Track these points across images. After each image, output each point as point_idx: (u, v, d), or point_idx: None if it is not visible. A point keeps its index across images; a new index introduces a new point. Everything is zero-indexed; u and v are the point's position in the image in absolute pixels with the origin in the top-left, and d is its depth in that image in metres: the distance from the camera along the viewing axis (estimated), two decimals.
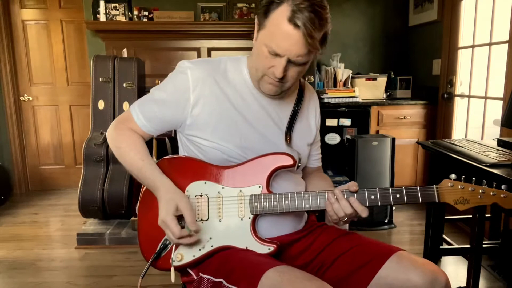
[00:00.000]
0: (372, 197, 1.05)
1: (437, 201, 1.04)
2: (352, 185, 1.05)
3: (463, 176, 1.05)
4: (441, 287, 1.02)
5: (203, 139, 1.12)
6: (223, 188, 1.10)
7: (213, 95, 1.11)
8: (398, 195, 1.05)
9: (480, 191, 1.03)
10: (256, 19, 1.06)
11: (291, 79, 1.06)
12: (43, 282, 2.28)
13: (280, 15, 0.97)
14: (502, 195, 1.03)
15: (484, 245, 2.10)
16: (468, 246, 2.12)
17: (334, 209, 1.04)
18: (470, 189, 1.04)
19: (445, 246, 2.35)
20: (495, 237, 2.34)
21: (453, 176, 1.04)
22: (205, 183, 1.10)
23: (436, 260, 2.32)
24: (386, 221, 2.99)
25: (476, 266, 1.95)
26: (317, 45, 0.99)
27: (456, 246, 2.35)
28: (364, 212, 1.04)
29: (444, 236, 2.43)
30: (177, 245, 1.08)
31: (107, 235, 2.73)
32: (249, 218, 1.08)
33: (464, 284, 2.04)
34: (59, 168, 4.10)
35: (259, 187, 1.08)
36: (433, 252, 2.12)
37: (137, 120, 1.15)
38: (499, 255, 2.27)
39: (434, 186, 1.05)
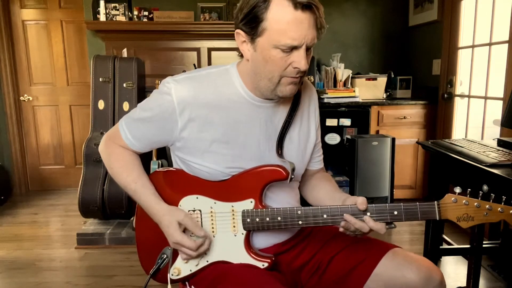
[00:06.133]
0: (368, 214, 1.01)
1: (438, 218, 0.98)
2: (362, 203, 1.00)
3: (469, 190, 0.97)
4: (436, 284, 1.03)
5: (193, 163, 1.10)
6: (215, 203, 1.08)
7: (202, 118, 1.05)
8: (395, 212, 1.01)
9: (487, 207, 0.95)
10: (240, 34, 1.00)
11: (307, 67, 1.01)
12: (43, 282, 2.28)
13: (280, 9, 0.92)
14: (511, 212, 0.94)
15: (484, 245, 2.10)
16: (468, 246, 2.12)
17: (350, 231, 1.02)
18: (475, 205, 0.96)
19: (445, 246, 2.35)
20: (495, 237, 2.34)
21: (457, 189, 0.96)
22: (197, 197, 1.09)
23: (436, 260, 2.31)
24: None
25: (476, 266, 1.95)
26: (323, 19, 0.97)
27: (456, 246, 2.35)
28: (382, 230, 1.01)
29: (444, 236, 2.43)
30: (174, 260, 1.09)
31: (107, 235, 2.73)
32: (242, 234, 1.07)
33: (464, 284, 2.04)
34: (59, 168, 4.10)
35: (251, 202, 1.06)
36: (433, 252, 2.12)
37: (125, 140, 1.12)
38: (499, 255, 2.27)
39: (435, 202, 0.98)
